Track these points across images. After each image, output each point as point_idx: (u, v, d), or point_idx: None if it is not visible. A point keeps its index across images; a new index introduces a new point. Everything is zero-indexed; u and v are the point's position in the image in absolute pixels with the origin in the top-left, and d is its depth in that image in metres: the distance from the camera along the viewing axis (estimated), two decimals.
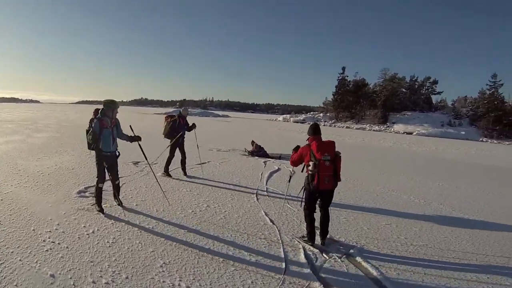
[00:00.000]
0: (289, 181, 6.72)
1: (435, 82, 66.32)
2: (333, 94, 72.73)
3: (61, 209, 6.75)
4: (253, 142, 17.10)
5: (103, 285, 4.22)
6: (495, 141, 43.67)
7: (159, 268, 4.75)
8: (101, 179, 6.67)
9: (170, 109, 66.24)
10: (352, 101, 66.88)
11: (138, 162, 9.55)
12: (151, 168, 7.01)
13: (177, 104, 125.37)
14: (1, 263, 4.48)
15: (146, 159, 7.28)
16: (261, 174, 11.75)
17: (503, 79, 57.91)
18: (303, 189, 6.04)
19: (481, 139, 45.21)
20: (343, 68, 72.08)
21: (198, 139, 11.15)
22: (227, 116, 75.76)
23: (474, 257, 5.71)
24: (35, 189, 7.98)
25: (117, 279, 4.37)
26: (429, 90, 67.29)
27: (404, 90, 66.74)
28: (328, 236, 6.08)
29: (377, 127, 57.32)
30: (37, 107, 58.06)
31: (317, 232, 6.08)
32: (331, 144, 5.76)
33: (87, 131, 6.59)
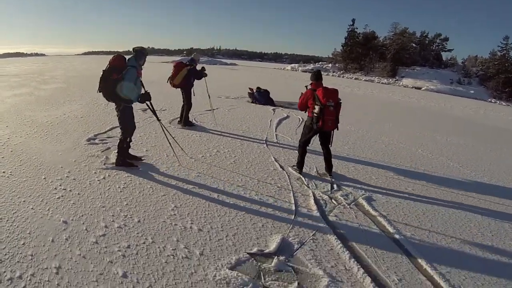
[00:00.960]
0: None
1: (446, 39, 64.20)
2: (342, 45, 70.74)
3: (71, 156, 6.73)
4: (250, 89, 16.69)
5: (115, 229, 4.26)
6: (504, 103, 42.35)
7: (171, 211, 4.80)
8: (131, 132, 6.34)
9: (177, 58, 64.98)
10: (361, 53, 65.10)
11: (146, 109, 9.38)
12: (162, 127, 6.79)
13: (184, 52, 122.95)
14: (13, 213, 4.49)
15: (158, 119, 6.76)
16: (270, 121, 11.71)
17: None
18: (304, 126, 6.73)
19: (489, 99, 43.79)
20: (353, 20, 69.32)
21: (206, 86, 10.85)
22: (234, 64, 74.58)
23: (479, 215, 5.63)
24: (45, 138, 7.91)
25: (129, 223, 4.42)
26: (439, 46, 65.23)
27: (414, 45, 64.70)
28: (337, 184, 6.37)
29: (385, 80, 56.05)
30: (43, 60, 57.35)
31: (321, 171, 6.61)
32: (335, 92, 6.35)
33: (115, 81, 5.80)
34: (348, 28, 70.12)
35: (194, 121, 10.45)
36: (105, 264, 3.58)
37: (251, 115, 12.72)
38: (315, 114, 6.28)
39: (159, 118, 6.69)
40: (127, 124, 6.20)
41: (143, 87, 6.20)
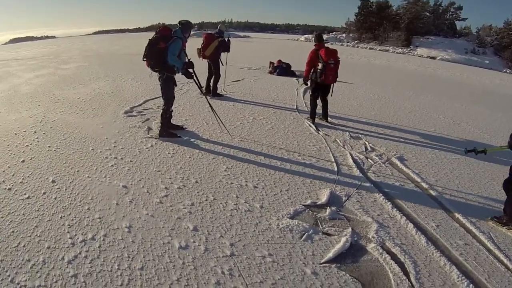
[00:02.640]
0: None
1: (460, 8, 61.97)
2: (355, 15, 69.06)
3: (114, 128, 6.93)
4: (271, 63, 16.72)
5: (175, 190, 4.50)
6: None
7: (224, 172, 5.06)
8: (172, 102, 6.48)
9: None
10: (375, 22, 63.64)
11: (176, 81, 9.53)
12: (206, 98, 6.93)
13: (196, 27, 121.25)
14: (70, 182, 4.67)
15: (200, 86, 6.82)
16: (297, 90, 11.94)
17: None
18: (311, 81, 7.75)
19: (504, 70, 42.33)
20: None
21: (227, 58, 10.91)
22: (248, 36, 73.66)
23: (501, 175, 5.64)
24: (81, 114, 8.06)
25: (187, 184, 4.66)
26: (453, 15, 63.32)
27: (428, 14, 63.09)
28: (370, 145, 6.74)
29: (400, 49, 54.71)
30: (54, 42, 57.00)
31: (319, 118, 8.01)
32: (335, 51, 7.49)
33: (161, 50, 5.94)
34: None
35: (223, 92, 10.61)
36: (174, 220, 3.82)
37: (277, 85, 12.86)
38: (318, 70, 7.37)
39: (202, 86, 6.87)
40: (170, 94, 6.34)
41: (186, 55, 6.34)
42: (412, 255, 3.48)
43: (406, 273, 3.23)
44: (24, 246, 3.37)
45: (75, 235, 3.53)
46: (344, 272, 3.21)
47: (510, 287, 3.18)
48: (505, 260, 3.51)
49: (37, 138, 6.37)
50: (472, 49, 52.51)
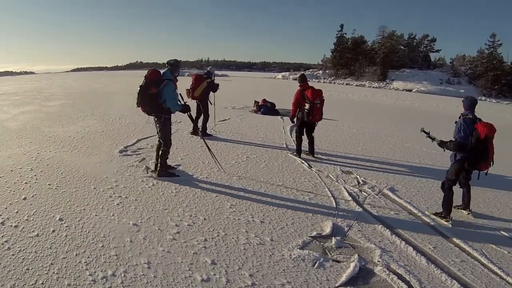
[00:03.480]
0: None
1: (433, 40, 64.75)
2: (331, 51, 71.18)
3: (112, 167, 7.03)
4: (255, 102, 17.22)
5: (186, 227, 4.69)
6: (494, 100, 42.99)
7: (229, 209, 5.30)
8: (171, 143, 6.61)
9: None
10: (351, 58, 65.57)
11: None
12: (204, 140, 7.16)
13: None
14: (78, 220, 4.74)
15: (197, 127, 7.07)
16: (283, 128, 12.39)
17: (502, 39, 55.65)
18: (297, 119, 8.28)
19: (479, 98, 43.96)
20: (341, 26, 69.35)
21: (215, 98, 11.15)
22: (225, 75, 74.38)
23: (486, 198, 6.47)
24: (75, 152, 8.11)
25: (197, 221, 4.86)
26: (427, 48, 65.97)
27: (402, 47, 65.62)
28: (362, 179, 7.15)
29: (376, 84, 56.52)
30: (34, 78, 56.17)
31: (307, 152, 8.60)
32: (321, 92, 8.08)
33: (153, 95, 6.11)
34: (336, 34, 70.71)
35: (211, 131, 10.88)
36: (191, 255, 4.00)
37: (263, 123, 13.28)
38: (305, 110, 7.91)
39: (198, 127, 7.11)
40: (169, 135, 6.49)
41: (182, 98, 6.58)
42: (416, 274, 3.87)
43: None
44: (42, 283, 3.40)
45: (95, 272, 3.60)
46: None
47: None
48: (499, 272, 4.02)
49: (35, 175, 6.42)
50: (447, 79, 54.67)
